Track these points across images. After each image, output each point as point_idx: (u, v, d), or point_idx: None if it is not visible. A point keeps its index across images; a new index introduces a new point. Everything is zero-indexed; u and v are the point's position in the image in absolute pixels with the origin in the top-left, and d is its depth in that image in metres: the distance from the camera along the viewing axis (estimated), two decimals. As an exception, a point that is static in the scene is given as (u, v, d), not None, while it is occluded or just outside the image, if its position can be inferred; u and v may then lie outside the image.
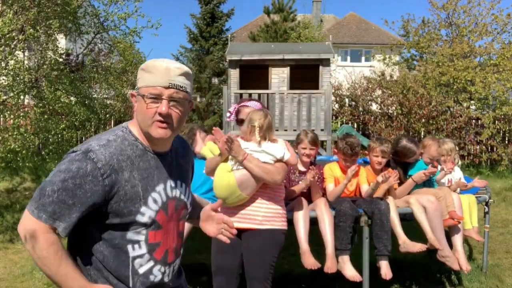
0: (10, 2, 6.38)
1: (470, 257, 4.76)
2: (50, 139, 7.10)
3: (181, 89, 1.47)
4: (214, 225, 1.75)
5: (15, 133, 6.03)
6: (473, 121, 11.55)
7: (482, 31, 13.21)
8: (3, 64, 6.19)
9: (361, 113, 12.52)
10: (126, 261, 1.48)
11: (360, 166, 3.64)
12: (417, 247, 3.30)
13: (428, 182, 3.86)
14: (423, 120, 11.40)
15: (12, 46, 6.28)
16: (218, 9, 16.64)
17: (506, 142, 11.38)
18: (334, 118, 12.14)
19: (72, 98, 8.73)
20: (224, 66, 15.62)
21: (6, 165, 6.55)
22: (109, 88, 10.79)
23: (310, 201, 3.39)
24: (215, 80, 16.03)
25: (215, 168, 2.76)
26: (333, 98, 12.14)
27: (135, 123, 1.53)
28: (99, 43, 10.23)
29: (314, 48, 11.65)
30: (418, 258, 4.33)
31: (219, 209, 1.79)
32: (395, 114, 11.96)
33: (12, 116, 6.37)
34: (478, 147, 11.40)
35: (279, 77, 10.76)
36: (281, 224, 2.79)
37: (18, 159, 6.53)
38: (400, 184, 3.70)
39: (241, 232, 2.73)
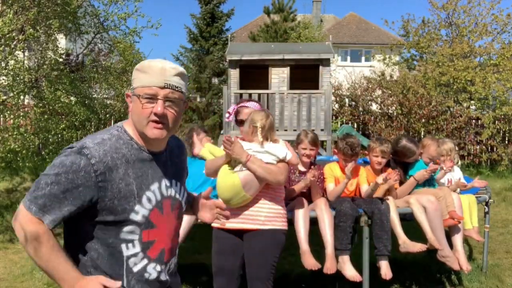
0: (10, 2, 6.37)
1: (470, 257, 4.76)
2: (50, 139, 7.10)
3: (176, 89, 1.48)
4: (208, 211, 1.83)
5: (15, 133, 6.03)
6: (473, 121, 11.54)
7: (482, 31, 13.20)
8: (3, 64, 6.19)
9: (361, 113, 12.51)
10: (120, 260, 1.49)
11: (359, 165, 3.64)
12: (417, 247, 3.30)
13: (429, 182, 3.86)
14: (423, 120, 11.39)
15: (12, 46, 6.28)
16: (218, 9, 16.66)
17: (506, 142, 11.37)
18: (334, 118, 12.13)
19: (72, 98, 8.72)
20: (224, 66, 15.63)
21: (6, 165, 6.55)
22: (109, 88, 10.82)
23: (310, 201, 3.39)
24: (215, 80, 16.04)
25: (217, 169, 2.75)
26: (333, 98, 12.13)
27: (130, 123, 1.54)
28: (99, 43, 10.21)
29: (314, 48, 11.63)
30: (418, 258, 4.33)
31: (210, 196, 1.86)
32: (395, 114, 11.95)
33: (12, 116, 6.37)
34: (478, 147, 11.39)
35: (279, 77, 10.74)
36: (282, 224, 2.79)
37: (18, 159, 6.53)
38: (400, 184, 3.70)
39: (242, 232, 2.73)
